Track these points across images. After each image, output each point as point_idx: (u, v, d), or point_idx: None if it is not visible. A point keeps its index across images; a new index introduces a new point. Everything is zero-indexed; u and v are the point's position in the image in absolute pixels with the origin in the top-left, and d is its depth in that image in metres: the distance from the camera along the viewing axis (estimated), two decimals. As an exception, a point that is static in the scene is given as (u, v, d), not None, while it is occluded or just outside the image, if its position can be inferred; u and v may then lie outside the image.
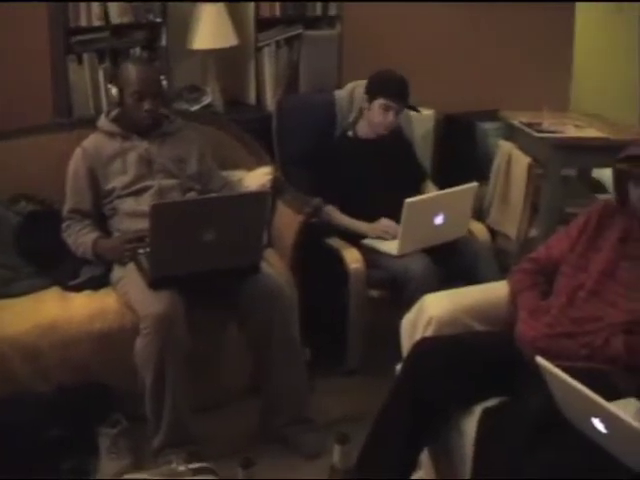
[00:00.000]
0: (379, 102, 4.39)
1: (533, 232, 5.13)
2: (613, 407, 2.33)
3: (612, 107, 6.87)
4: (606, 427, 2.36)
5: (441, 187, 4.51)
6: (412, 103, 4.56)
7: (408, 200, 3.96)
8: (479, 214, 5.32)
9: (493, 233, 5.15)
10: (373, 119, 4.45)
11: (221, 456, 3.35)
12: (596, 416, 2.37)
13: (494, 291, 3.38)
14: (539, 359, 2.51)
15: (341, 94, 4.90)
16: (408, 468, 3.09)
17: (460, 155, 5.91)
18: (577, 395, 2.40)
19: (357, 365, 4.34)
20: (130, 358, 3.48)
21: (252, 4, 4.98)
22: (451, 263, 4.20)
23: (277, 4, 5.08)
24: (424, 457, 3.25)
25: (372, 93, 4.44)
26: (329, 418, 3.91)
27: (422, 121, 5.61)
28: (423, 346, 3.09)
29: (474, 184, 4.23)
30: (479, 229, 4.54)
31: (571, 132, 5.17)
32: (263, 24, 5.08)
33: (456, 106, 5.93)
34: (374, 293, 4.24)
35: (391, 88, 4.40)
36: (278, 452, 3.69)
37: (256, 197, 3.72)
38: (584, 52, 7.11)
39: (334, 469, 2.75)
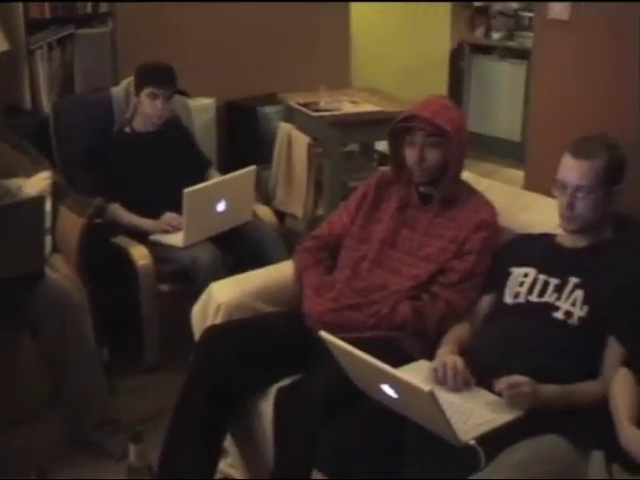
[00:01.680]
0: (146, 92, 4.34)
1: (320, 210, 5.20)
2: (399, 372, 2.39)
3: (391, 81, 7.07)
4: (396, 392, 2.42)
5: (227, 174, 4.50)
6: (192, 94, 4.53)
7: (187, 190, 3.93)
8: (266, 197, 5.36)
9: (282, 215, 5.21)
10: (145, 110, 4.40)
11: (21, 471, 3.26)
12: (385, 382, 2.42)
13: (281, 272, 3.41)
14: (323, 333, 2.54)
15: (117, 91, 4.82)
16: (212, 457, 3.09)
17: (244, 141, 5.94)
18: (364, 364, 2.44)
19: (157, 361, 4.30)
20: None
21: (20, 6, 4.82)
22: (239, 249, 4.21)
23: (46, 4, 4.93)
24: (228, 443, 3.26)
25: (139, 85, 4.40)
26: (135, 417, 3.86)
27: (202, 110, 5.61)
28: (211, 334, 3.09)
29: (252, 167, 4.25)
30: (265, 212, 4.57)
31: (347, 108, 5.27)
32: (33, 26, 4.91)
33: (237, 92, 5.94)
34: (166, 287, 4.20)
35: (155, 76, 4.36)
36: (90, 457, 3.63)
37: (30, 204, 3.60)
38: (362, 29, 7.26)
39: (131, 468, 2.72)
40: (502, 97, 7.83)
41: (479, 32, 8.31)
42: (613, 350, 2.72)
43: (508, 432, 2.47)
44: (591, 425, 2.54)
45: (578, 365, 2.72)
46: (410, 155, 3.14)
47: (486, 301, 3.05)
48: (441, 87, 8.08)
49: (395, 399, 2.46)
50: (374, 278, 3.15)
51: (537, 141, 3.88)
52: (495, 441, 2.41)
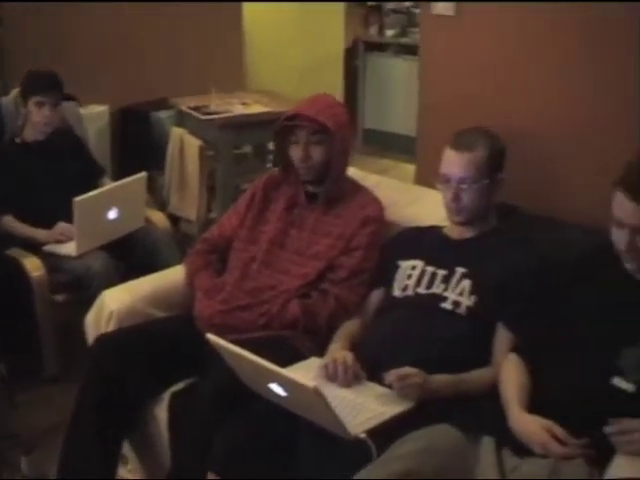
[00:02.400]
0: (32, 100, 4.28)
1: (214, 214, 5.19)
2: (285, 370, 2.39)
3: (287, 82, 7.08)
4: (284, 390, 2.42)
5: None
6: (86, 101, 4.47)
7: (76, 199, 3.88)
8: (162, 203, 5.34)
9: (176, 219, 5.19)
10: (33, 119, 4.34)
11: None
12: (273, 381, 2.42)
13: (172, 276, 3.40)
14: (209, 336, 2.53)
15: (7, 100, 4.74)
16: (110, 464, 3.05)
17: (139, 147, 5.90)
18: (251, 364, 2.44)
19: (57, 371, 4.24)
20: None
21: None
22: (133, 255, 4.18)
23: None
24: (127, 449, 3.24)
25: (25, 94, 4.32)
26: (36, 429, 3.80)
27: (96, 117, 5.56)
28: (102, 342, 3.06)
29: (143, 174, 4.22)
30: (158, 217, 4.53)
31: (238, 110, 5.27)
32: None
33: (132, 98, 5.90)
34: (61, 297, 4.15)
35: (39, 84, 4.29)
36: None
37: None
38: (255, 29, 7.27)
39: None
40: (397, 93, 7.91)
41: (373, 30, 8.40)
42: (502, 337, 2.77)
43: (400, 423, 2.49)
44: (481, 412, 2.58)
45: (468, 353, 2.76)
46: (295, 153, 3.15)
47: (376, 295, 3.08)
48: (337, 85, 8.14)
49: (284, 397, 2.46)
50: (263, 279, 3.15)
51: (426, 136, 3.91)
52: (387, 433, 2.42)
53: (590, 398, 2.36)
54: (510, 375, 2.58)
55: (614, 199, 2.39)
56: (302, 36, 8.00)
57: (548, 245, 2.95)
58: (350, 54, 8.30)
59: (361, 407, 2.57)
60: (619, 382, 2.36)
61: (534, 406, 2.45)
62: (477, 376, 2.71)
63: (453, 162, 2.88)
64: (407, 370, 2.59)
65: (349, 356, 2.73)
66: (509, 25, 3.45)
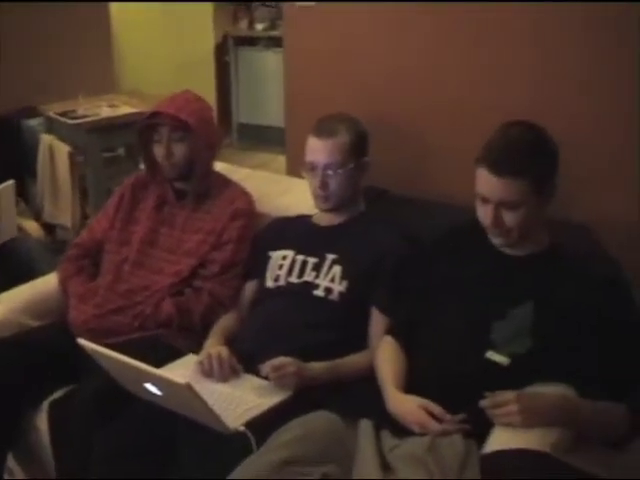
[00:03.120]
0: None
1: (91, 219, 5.12)
2: (157, 370, 2.38)
3: (160, 81, 7.03)
4: (159, 389, 2.41)
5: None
6: None
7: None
8: (37, 211, 5.26)
9: (53, 227, 5.12)
10: None
11: None
12: (147, 381, 2.41)
13: (46, 285, 3.34)
14: (80, 341, 2.50)
15: None
16: (-6, 480, 3.01)
17: (10, 156, 5.76)
18: (125, 366, 2.42)
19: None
20: None
21: None
22: (8, 266, 4.10)
23: None
24: (12, 463, 3.19)
25: None
26: None
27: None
28: (-26, 356, 3.01)
29: (10, 182, 4.12)
30: (31, 226, 4.49)
31: (105, 113, 5.23)
32: None
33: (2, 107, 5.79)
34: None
35: None
36: None
37: None
38: (124, 29, 7.19)
39: None
40: (270, 86, 7.90)
41: (243, 24, 8.37)
42: (376, 320, 2.82)
43: (279, 413, 2.50)
44: (359, 396, 2.62)
45: (344, 338, 2.80)
46: (158, 152, 3.15)
47: (250, 288, 3.09)
48: (210, 82, 8.11)
49: (161, 396, 2.45)
50: (136, 279, 3.14)
51: (293, 126, 3.94)
52: (266, 424, 2.43)
53: (466, 373, 2.41)
54: (385, 357, 2.62)
55: (477, 175, 2.45)
56: (172, 33, 7.98)
57: (420, 227, 2.99)
58: (220, 50, 8.26)
59: (239, 400, 2.57)
60: (493, 355, 2.42)
61: (412, 386, 2.49)
62: (354, 361, 2.75)
63: (317, 149, 2.90)
64: (282, 360, 2.61)
65: (224, 350, 2.74)
66: (366, 12, 3.50)
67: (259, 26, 8.20)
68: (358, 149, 2.95)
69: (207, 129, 3.15)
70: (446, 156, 3.37)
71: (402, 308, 2.74)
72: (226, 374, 2.68)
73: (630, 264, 2.74)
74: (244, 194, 3.24)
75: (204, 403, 2.31)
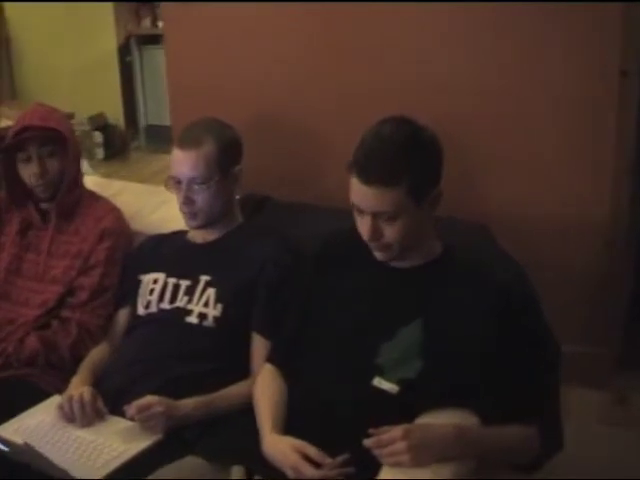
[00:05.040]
0: None
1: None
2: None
3: (61, 86, 6.74)
4: (5, 445, 2.16)
5: None
6: None
7: None
8: None
9: None
10: None
11: None
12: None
13: None
14: None
15: None
16: None
17: None
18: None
19: None
20: None
21: None
22: None
23: None
24: None
25: None
26: None
27: None
28: None
29: None
30: None
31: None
32: None
33: None
34: None
35: None
36: None
37: None
38: (21, 33, 6.88)
39: None
40: (175, 85, 7.61)
41: (146, 23, 8.06)
42: (258, 345, 2.56)
43: (146, 460, 2.25)
44: (236, 435, 2.34)
45: (223, 368, 2.53)
46: (27, 172, 2.87)
47: (122, 316, 2.81)
48: (115, 84, 7.81)
49: (14, 452, 2.19)
50: (2, 313, 2.85)
51: (178, 126, 3.70)
52: (133, 473, 2.19)
53: (350, 404, 2.14)
54: (263, 390, 2.34)
55: (351, 183, 2.17)
56: (72, 36, 7.64)
57: (306, 235, 2.69)
58: (123, 50, 7.95)
59: (102, 447, 2.30)
60: (380, 382, 2.14)
61: (291, 421, 2.23)
62: (234, 392, 2.48)
63: (181, 162, 2.63)
64: (148, 399, 2.34)
65: (87, 392, 2.45)
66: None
67: (162, 24, 7.89)
68: (227, 158, 2.66)
69: (74, 139, 2.91)
70: (337, 154, 3.13)
71: (283, 330, 2.45)
72: (89, 418, 2.41)
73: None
74: (112, 211, 2.95)
75: (46, 459, 2.05)
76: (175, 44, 3.63)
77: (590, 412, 3.13)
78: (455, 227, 2.62)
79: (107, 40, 7.85)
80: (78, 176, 2.96)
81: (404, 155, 2.10)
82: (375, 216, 2.13)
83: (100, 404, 2.44)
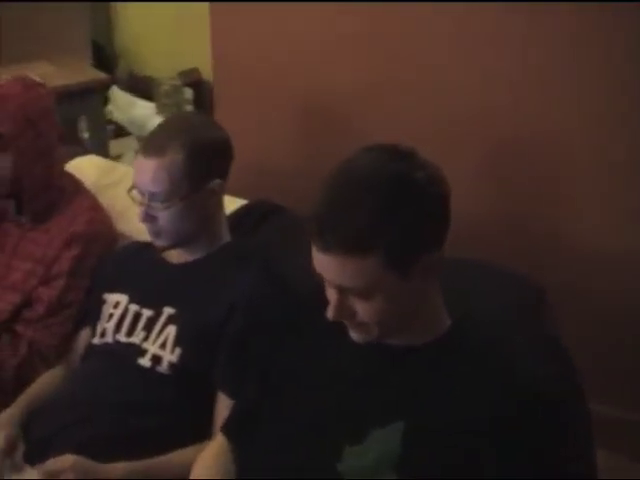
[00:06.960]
0: None
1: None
2: None
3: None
4: None
5: None
6: None
7: None
8: None
9: None
10: None
11: None
12: None
13: None
14: None
15: None
16: None
17: None
18: None
19: None
20: None
21: None
22: None
23: None
24: None
25: None
26: None
27: None
28: None
29: None
30: None
31: None
32: None
33: None
34: None
35: None
36: None
37: None
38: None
39: None
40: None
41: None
42: (221, 403, 2.05)
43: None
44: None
45: (174, 425, 2.06)
46: None
47: (82, 337, 2.36)
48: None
49: None
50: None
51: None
52: None
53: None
54: (201, 473, 1.85)
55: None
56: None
57: (300, 263, 2.06)
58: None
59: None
60: None
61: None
62: (181, 459, 1.98)
63: (141, 171, 2.11)
64: (61, 463, 1.90)
65: (2, 439, 2.03)
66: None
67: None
68: (201, 170, 2.11)
69: (35, 132, 2.39)
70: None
71: (247, 390, 1.93)
72: (1, 471, 1.98)
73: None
74: (88, 211, 2.48)
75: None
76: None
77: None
78: (487, 282, 2.06)
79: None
80: (50, 177, 2.49)
81: (381, 210, 1.50)
82: (342, 290, 1.59)
83: (17, 455, 2.02)
